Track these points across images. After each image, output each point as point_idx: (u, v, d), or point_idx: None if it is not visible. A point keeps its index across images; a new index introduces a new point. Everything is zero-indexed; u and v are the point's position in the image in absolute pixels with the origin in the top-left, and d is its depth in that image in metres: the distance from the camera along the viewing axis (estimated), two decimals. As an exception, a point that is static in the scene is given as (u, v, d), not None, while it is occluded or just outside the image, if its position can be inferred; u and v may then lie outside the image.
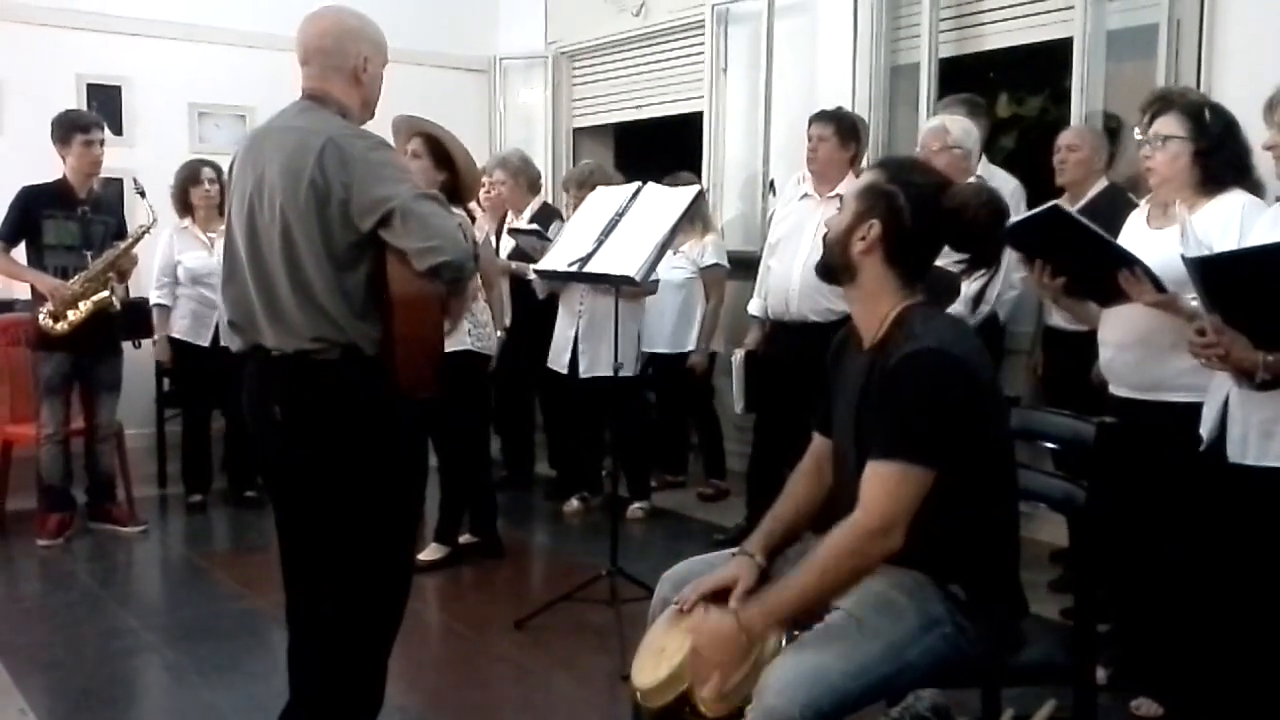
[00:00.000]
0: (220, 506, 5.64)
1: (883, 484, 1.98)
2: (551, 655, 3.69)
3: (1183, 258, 2.45)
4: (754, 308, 4.90)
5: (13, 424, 5.17)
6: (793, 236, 4.58)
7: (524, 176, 5.72)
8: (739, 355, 4.97)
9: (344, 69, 2.45)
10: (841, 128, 4.55)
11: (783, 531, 2.28)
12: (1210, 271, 2.43)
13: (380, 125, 2.56)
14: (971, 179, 3.76)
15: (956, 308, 3.74)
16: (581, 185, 5.43)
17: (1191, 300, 2.64)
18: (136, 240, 4.93)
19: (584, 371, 5.17)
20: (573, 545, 5.13)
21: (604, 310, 4.79)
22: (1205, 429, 2.71)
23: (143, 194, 4.99)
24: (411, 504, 2.57)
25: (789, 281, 4.51)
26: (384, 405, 2.39)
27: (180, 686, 3.49)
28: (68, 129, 4.93)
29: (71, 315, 4.77)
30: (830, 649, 1.94)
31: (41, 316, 4.77)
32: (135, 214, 5.26)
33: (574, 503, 5.55)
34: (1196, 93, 3.76)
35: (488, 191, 5.54)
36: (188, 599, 4.39)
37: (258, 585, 4.34)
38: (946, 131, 4.10)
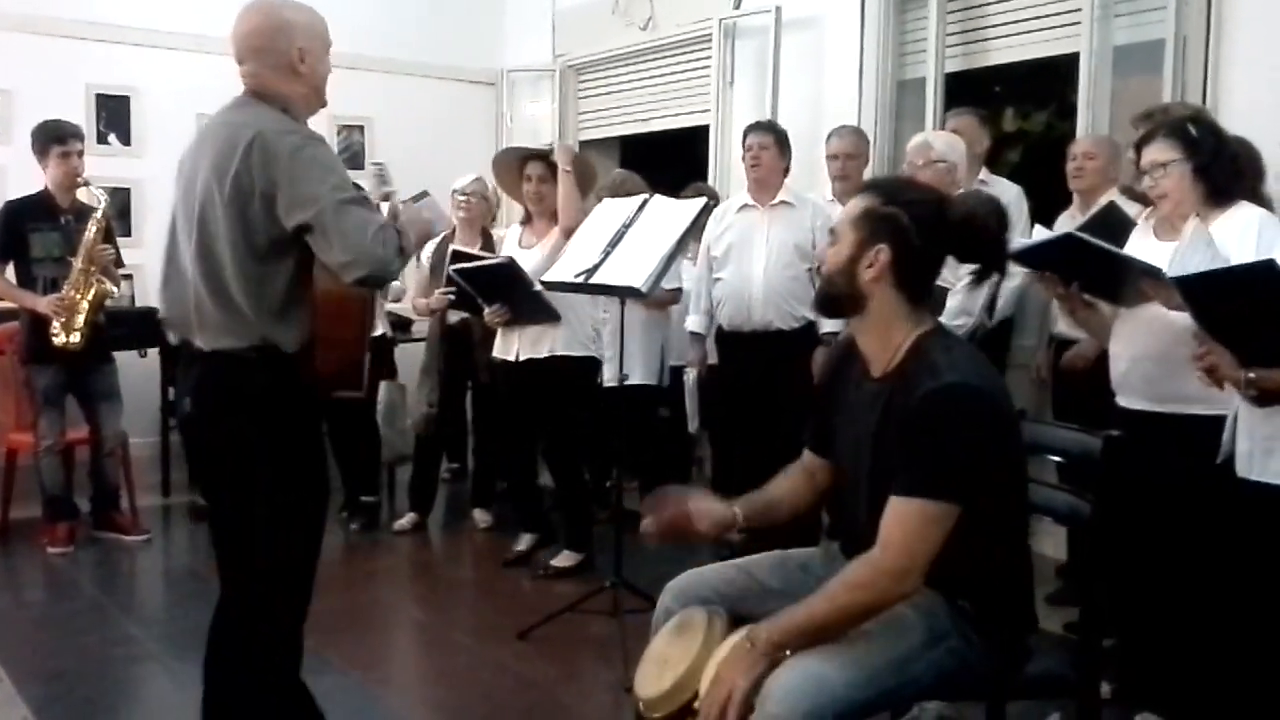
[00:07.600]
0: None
1: (904, 523, 1.93)
2: (555, 666, 3.68)
3: (1172, 277, 2.47)
4: (694, 324, 4.85)
5: (16, 432, 5.18)
6: (743, 246, 4.58)
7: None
8: (691, 375, 4.97)
9: (280, 65, 2.42)
10: (779, 138, 4.62)
11: (764, 505, 2.32)
12: (1191, 290, 2.44)
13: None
14: (959, 191, 3.77)
15: (959, 316, 3.75)
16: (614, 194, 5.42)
17: None
18: (96, 230, 4.77)
19: (607, 380, 5.11)
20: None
21: (627, 319, 4.76)
22: (1224, 440, 2.69)
23: (86, 183, 4.89)
24: (314, 503, 2.53)
25: (749, 290, 4.51)
26: (293, 399, 2.41)
27: (183, 696, 3.45)
28: (45, 140, 4.89)
29: (78, 322, 4.74)
30: (834, 659, 1.93)
31: (57, 339, 4.71)
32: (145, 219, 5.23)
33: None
34: (1181, 106, 3.71)
35: (464, 205, 5.30)
36: (191, 608, 4.34)
37: (261, 595, 4.31)
38: (930, 146, 4.13)
